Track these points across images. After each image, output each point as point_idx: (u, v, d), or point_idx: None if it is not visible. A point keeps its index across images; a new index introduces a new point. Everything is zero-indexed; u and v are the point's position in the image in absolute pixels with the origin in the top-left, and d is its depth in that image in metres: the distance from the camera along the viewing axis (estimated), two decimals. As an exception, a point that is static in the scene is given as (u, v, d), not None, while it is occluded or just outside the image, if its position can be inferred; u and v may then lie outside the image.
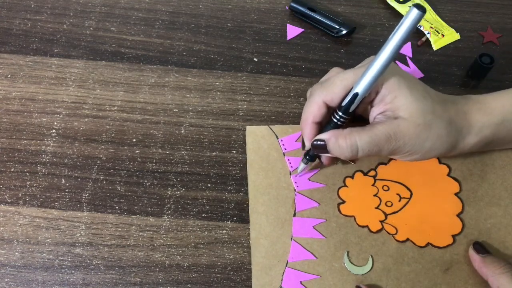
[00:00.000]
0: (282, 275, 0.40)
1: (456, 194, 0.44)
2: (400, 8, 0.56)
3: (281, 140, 0.47)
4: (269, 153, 0.46)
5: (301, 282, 0.40)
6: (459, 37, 0.54)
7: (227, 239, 0.42)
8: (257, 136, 0.47)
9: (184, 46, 0.53)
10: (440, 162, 0.45)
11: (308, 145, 0.41)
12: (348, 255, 0.41)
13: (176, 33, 0.54)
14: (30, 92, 0.49)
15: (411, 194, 0.44)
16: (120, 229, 0.42)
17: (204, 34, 0.54)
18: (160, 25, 0.55)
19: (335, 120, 0.39)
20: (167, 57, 0.52)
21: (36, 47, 0.52)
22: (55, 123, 0.47)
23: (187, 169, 0.45)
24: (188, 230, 0.42)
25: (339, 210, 0.43)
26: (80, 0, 0.56)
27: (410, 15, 0.32)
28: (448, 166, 0.45)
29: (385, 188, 0.44)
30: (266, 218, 0.43)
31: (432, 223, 0.43)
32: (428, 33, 0.53)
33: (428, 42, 0.53)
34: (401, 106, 0.37)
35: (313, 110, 0.39)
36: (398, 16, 0.56)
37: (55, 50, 0.52)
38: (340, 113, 0.38)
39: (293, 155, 0.46)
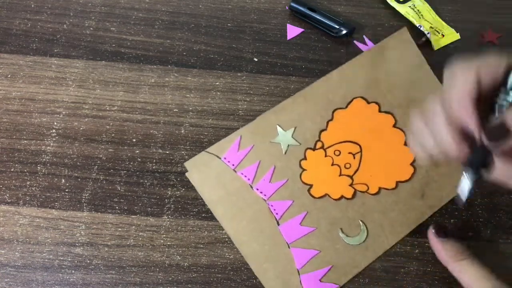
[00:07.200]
0: (301, 283, 0.41)
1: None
2: (400, 8, 0.55)
3: (225, 158, 0.45)
4: (219, 179, 0.44)
5: (320, 280, 0.40)
6: (459, 37, 0.54)
7: (227, 239, 0.42)
8: (199, 167, 0.45)
9: (184, 46, 0.53)
10: (380, 111, 0.47)
11: (478, 134, 0.29)
12: (342, 231, 0.42)
13: (176, 33, 0.54)
14: (30, 92, 0.49)
15: (361, 148, 0.45)
16: (120, 229, 0.42)
17: (204, 34, 0.54)
18: (160, 25, 0.54)
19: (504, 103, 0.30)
20: (167, 57, 0.52)
21: (36, 47, 0.52)
22: (55, 123, 0.47)
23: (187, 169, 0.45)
24: (188, 230, 0.42)
25: (312, 195, 0.44)
26: (80, 0, 0.56)
27: None
28: (394, 117, 0.47)
29: (337, 153, 0.45)
30: (256, 242, 0.42)
31: (391, 162, 0.45)
32: (428, 33, 0.53)
33: (428, 42, 0.53)
34: None
35: (466, 83, 0.29)
36: (398, 16, 0.56)
37: (55, 50, 0.52)
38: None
39: (244, 167, 0.44)
